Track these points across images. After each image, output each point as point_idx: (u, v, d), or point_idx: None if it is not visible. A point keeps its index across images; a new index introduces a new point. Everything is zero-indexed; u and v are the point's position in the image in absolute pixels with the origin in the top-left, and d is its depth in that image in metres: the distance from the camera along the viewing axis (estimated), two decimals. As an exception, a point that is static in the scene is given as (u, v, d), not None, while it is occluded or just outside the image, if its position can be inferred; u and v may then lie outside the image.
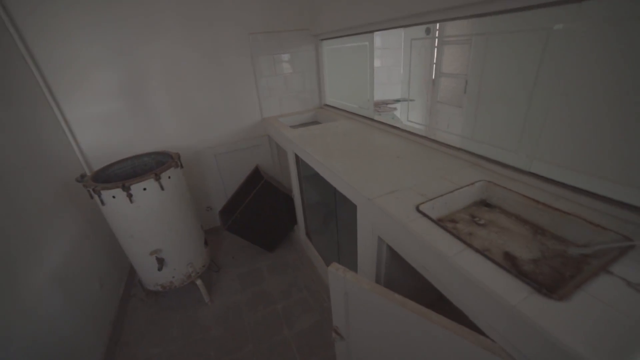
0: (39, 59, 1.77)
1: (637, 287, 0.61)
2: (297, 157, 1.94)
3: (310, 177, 2.12)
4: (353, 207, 1.25)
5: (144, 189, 1.58)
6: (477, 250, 0.79)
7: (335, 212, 1.82)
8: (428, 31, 2.04)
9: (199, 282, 1.95)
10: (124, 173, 1.90)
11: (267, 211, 2.29)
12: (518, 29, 1.04)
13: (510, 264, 0.81)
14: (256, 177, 2.51)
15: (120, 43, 1.93)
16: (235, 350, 1.73)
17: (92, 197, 1.61)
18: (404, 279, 1.23)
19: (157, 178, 1.60)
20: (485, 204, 1.12)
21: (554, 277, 0.75)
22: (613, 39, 0.81)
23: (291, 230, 2.57)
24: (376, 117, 2.03)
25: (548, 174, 1.04)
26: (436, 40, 2.05)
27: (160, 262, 1.74)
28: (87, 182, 1.60)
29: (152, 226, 1.69)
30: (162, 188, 1.63)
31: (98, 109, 2.02)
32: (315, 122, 2.63)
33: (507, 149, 1.17)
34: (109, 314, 1.85)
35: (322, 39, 2.43)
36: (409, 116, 1.85)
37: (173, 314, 1.99)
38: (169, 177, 1.68)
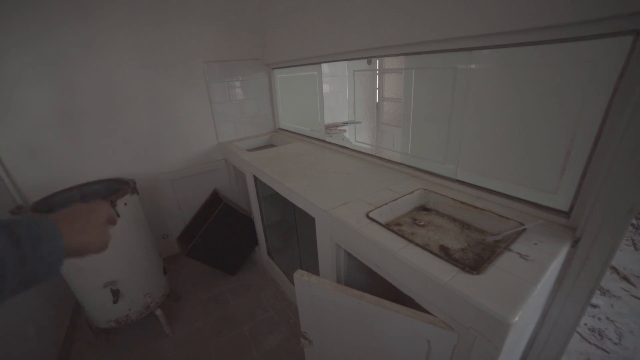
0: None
1: (526, 257, 0.83)
2: (255, 178, 2.02)
3: (269, 197, 2.20)
4: (311, 221, 1.37)
5: (98, 218, 1.52)
6: (417, 245, 0.95)
7: (295, 228, 1.92)
8: (369, 62, 2.34)
9: (158, 312, 1.87)
10: (71, 202, 1.79)
11: (227, 234, 2.30)
12: (434, 66, 1.30)
13: (444, 254, 0.99)
14: (214, 200, 2.52)
15: (58, 64, 1.84)
16: (201, 379, 1.68)
17: (33, 231, 1.50)
18: (361, 279, 1.36)
19: (113, 205, 1.56)
20: (424, 208, 1.32)
21: (476, 259, 0.94)
22: (505, 77, 1.08)
23: (252, 252, 2.58)
24: (327, 139, 2.22)
25: (469, 180, 1.28)
26: (377, 70, 2.35)
27: (116, 295, 1.66)
28: (26, 213, 1.50)
29: (106, 256, 1.61)
30: (118, 215, 1.59)
31: (33, 135, 1.88)
32: (270, 145, 2.75)
33: (438, 161, 1.41)
34: (50, 362, 1.67)
35: (274, 68, 2.61)
36: (357, 137, 2.07)
37: (129, 352, 1.86)
38: (125, 204, 1.64)
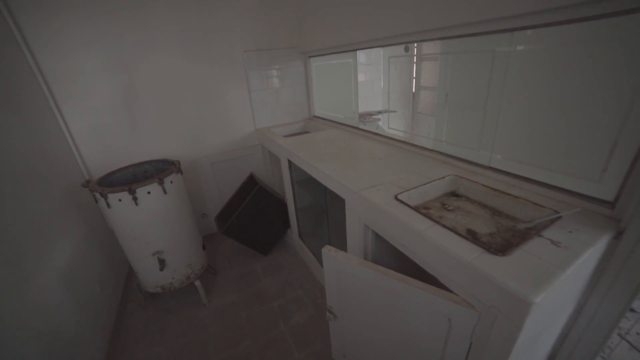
0: (45, 71, 1.90)
1: (557, 244, 0.80)
2: (290, 163, 2.10)
3: (302, 182, 2.28)
4: (341, 205, 1.41)
5: (148, 193, 1.70)
6: (443, 226, 0.96)
7: (326, 212, 1.98)
8: (407, 49, 2.29)
9: (197, 283, 2.04)
10: (125, 180, 2.01)
11: (261, 215, 2.43)
12: (470, 50, 1.26)
13: (471, 236, 0.98)
14: (250, 183, 2.65)
15: (120, 58, 2.08)
16: (234, 345, 1.82)
17: (97, 201, 1.72)
18: (387, 261, 1.38)
19: (161, 182, 1.72)
20: (454, 194, 1.31)
21: (504, 244, 0.93)
22: (548, 58, 1.03)
23: (284, 234, 2.70)
24: (361, 126, 2.23)
25: (503, 167, 1.25)
26: (414, 57, 2.29)
27: (162, 263, 1.84)
28: (94, 186, 1.71)
29: (154, 228, 1.80)
30: (165, 192, 1.76)
31: (98, 119, 2.14)
32: (305, 132, 2.82)
33: (471, 148, 1.38)
34: (109, 316, 1.92)
35: (311, 56, 2.65)
36: (390, 124, 2.06)
37: (171, 315, 2.07)
38: (171, 182, 1.80)
